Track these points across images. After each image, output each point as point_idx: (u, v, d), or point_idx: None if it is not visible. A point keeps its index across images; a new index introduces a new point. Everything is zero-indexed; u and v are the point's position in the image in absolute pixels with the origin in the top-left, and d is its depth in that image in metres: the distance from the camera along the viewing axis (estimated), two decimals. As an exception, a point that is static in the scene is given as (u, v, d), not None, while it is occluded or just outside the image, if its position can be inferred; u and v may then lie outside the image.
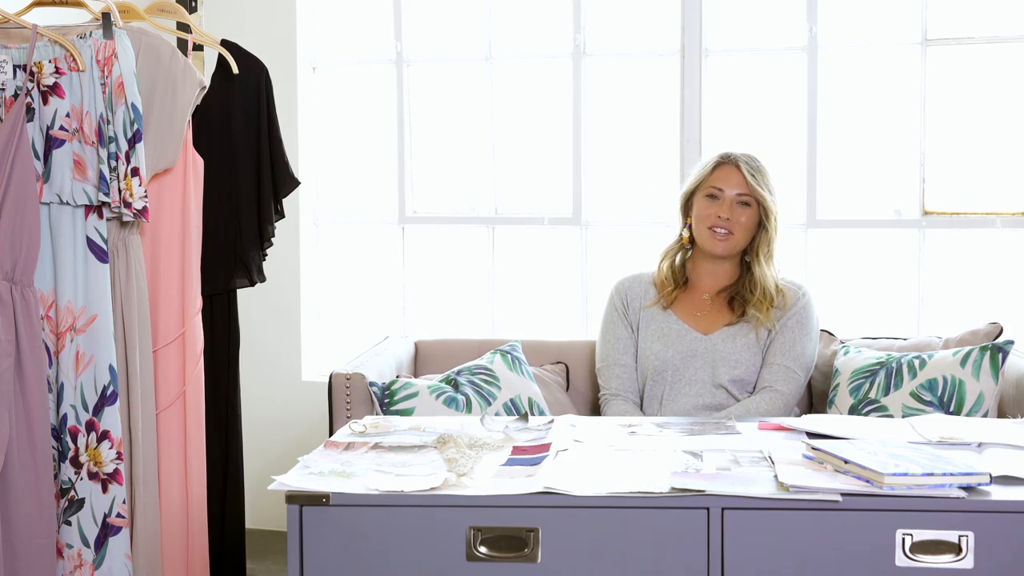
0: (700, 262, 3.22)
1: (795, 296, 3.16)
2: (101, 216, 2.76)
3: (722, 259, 3.18)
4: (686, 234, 3.23)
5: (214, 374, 3.18)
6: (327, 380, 3.17)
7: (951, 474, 2.05)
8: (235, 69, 3.13)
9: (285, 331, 4.43)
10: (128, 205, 2.72)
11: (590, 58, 4.19)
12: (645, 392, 3.19)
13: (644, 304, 3.23)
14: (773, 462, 2.26)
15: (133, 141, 2.72)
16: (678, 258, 3.26)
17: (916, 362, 3.11)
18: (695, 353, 3.14)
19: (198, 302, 2.97)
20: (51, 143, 2.72)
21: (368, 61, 4.44)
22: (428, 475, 2.22)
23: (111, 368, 2.75)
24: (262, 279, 3.26)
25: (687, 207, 3.23)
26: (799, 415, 3.23)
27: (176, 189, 2.94)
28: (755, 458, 2.32)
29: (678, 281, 3.24)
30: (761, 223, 3.15)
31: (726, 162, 3.17)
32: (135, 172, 2.72)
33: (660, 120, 4.16)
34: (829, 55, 4.01)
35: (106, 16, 2.72)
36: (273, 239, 3.26)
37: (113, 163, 2.71)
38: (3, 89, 2.73)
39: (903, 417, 2.97)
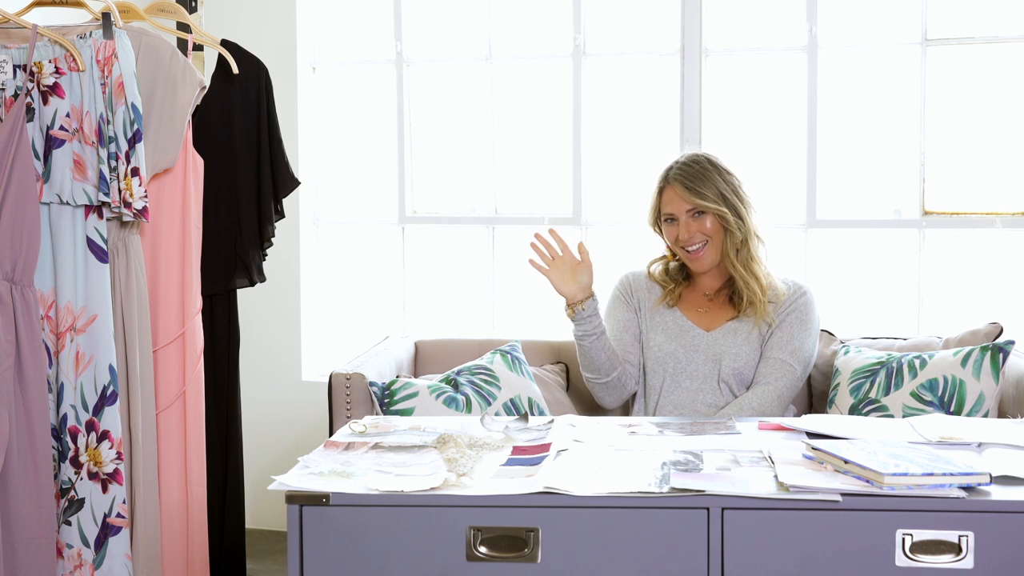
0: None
1: (794, 293, 3.17)
2: (101, 216, 2.76)
3: (708, 269, 3.19)
4: (669, 254, 3.25)
5: (214, 374, 3.18)
6: (327, 380, 3.17)
7: (951, 474, 2.05)
8: (235, 69, 3.13)
9: (285, 331, 4.44)
10: (128, 205, 2.72)
11: (590, 58, 4.19)
12: (645, 383, 3.20)
13: (651, 300, 3.24)
14: (773, 462, 2.26)
15: (133, 141, 2.72)
16: (672, 264, 3.27)
17: (916, 362, 3.11)
18: (697, 348, 3.14)
19: (198, 302, 2.97)
20: (51, 143, 2.72)
21: (368, 61, 4.44)
22: (428, 475, 2.22)
23: (111, 368, 2.75)
24: (262, 279, 3.26)
25: (658, 230, 3.24)
26: (797, 414, 3.23)
27: (176, 189, 2.94)
28: (755, 458, 2.32)
29: (678, 280, 3.24)
30: (723, 227, 3.14)
31: (667, 184, 3.17)
32: (135, 172, 2.72)
33: (660, 120, 4.16)
34: (829, 55, 4.01)
35: (106, 16, 2.72)
36: (273, 239, 3.26)
37: (113, 163, 2.71)
38: (3, 89, 2.73)
39: (903, 417, 2.97)
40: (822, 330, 3.44)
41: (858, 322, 3.98)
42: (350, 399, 3.13)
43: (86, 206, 2.75)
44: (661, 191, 3.19)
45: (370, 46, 4.43)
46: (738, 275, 3.13)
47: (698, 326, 3.18)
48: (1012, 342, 3.10)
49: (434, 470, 2.26)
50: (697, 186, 3.11)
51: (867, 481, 2.09)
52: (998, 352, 3.06)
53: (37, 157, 2.71)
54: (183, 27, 3.27)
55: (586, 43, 4.18)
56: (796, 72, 4.03)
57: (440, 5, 4.36)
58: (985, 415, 3.01)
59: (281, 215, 3.27)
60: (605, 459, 2.34)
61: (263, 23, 4.34)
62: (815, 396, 3.37)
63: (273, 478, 2.21)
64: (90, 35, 2.74)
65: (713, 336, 3.15)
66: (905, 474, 2.05)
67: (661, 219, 3.20)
